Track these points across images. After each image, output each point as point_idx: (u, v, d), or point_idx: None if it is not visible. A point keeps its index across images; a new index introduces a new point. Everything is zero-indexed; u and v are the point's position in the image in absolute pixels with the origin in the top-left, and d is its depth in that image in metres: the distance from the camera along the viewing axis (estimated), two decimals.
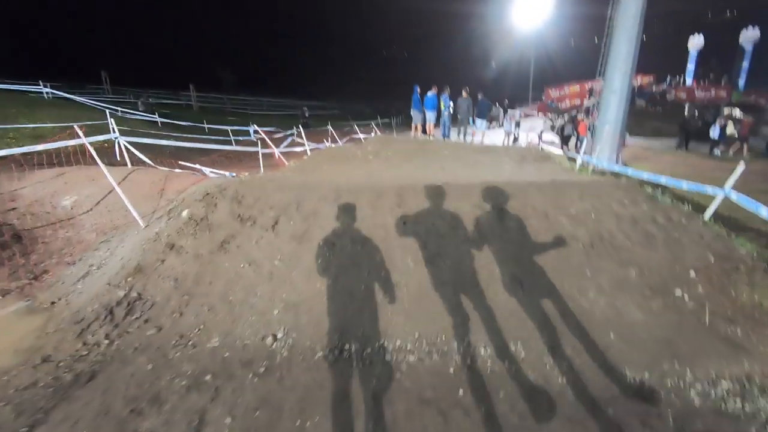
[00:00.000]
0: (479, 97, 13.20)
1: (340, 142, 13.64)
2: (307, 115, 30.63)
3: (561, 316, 3.17)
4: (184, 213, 4.60)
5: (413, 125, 13.31)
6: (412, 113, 13.16)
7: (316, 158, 7.92)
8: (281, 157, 8.74)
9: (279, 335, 3.15)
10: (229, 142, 16.42)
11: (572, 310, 3.24)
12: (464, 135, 12.96)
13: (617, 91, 13.22)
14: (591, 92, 28.31)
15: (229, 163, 13.02)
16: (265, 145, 10.47)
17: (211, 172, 6.42)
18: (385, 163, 7.19)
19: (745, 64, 25.49)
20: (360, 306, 3.30)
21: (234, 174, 6.73)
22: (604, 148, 13.91)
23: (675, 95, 26.01)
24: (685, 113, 25.86)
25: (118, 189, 5.22)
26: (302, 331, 3.16)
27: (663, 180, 5.76)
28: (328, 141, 13.87)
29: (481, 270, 3.57)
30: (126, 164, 7.71)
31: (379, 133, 17.12)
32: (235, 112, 36.70)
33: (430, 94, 12.21)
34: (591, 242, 3.89)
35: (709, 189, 4.96)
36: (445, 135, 12.73)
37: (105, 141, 8.94)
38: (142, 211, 5.73)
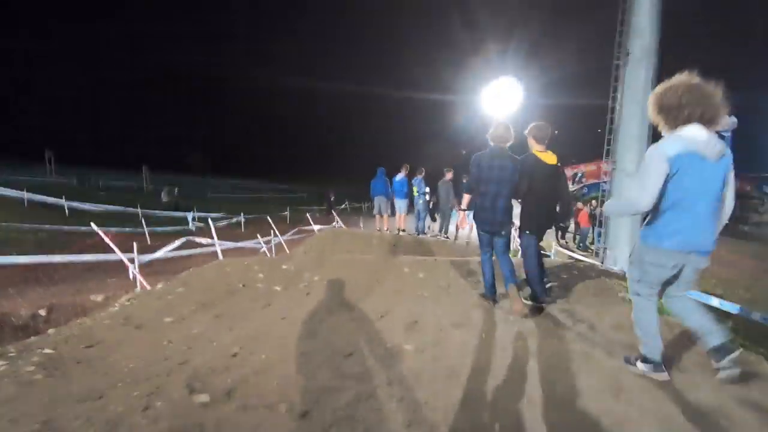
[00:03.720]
0: (463, 180, 10.24)
1: (279, 239, 10.09)
2: (332, 198, 27.68)
3: None
4: None
5: (376, 216, 10.05)
6: (374, 201, 9.99)
7: (168, 295, 4.18)
8: (142, 281, 5.00)
9: None
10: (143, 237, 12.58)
11: None
12: (446, 230, 9.72)
13: (633, 173, 10.61)
14: (575, 177, 26.76)
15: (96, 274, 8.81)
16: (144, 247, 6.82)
17: None
18: (298, 308, 3.56)
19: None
20: None
21: None
22: (618, 241, 10.93)
23: None
24: None
25: None
26: None
27: None
28: (267, 235, 10.28)
29: None
30: None
31: (341, 224, 13.82)
32: (195, 198, 32.61)
33: (398, 177, 9.16)
34: None
35: None
36: (420, 230, 9.45)
37: None
38: None
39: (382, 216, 9.91)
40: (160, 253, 6.15)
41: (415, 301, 3.60)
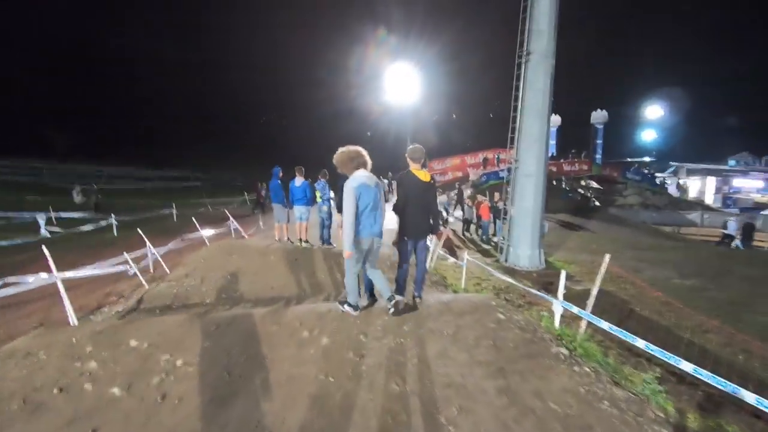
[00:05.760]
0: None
1: (156, 255, 8.24)
2: (263, 192, 18.23)
3: None
4: None
5: (276, 225, 8.83)
6: (273, 207, 8.77)
7: None
8: None
9: None
10: None
11: None
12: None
13: (533, 174, 10.80)
14: (485, 162, 27.83)
15: None
16: None
17: None
18: None
19: (599, 141, 27.93)
20: None
21: None
22: (521, 240, 11.27)
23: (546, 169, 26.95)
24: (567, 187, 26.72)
25: None
26: None
27: None
28: (146, 244, 8.32)
29: None
30: None
31: (237, 226, 12.09)
32: (56, 189, 25.94)
33: (297, 182, 8.03)
34: None
35: None
36: (326, 239, 8.48)
37: None
38: None
39: (280, 224, 8.73)
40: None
41: (315, 397, 2.70)
